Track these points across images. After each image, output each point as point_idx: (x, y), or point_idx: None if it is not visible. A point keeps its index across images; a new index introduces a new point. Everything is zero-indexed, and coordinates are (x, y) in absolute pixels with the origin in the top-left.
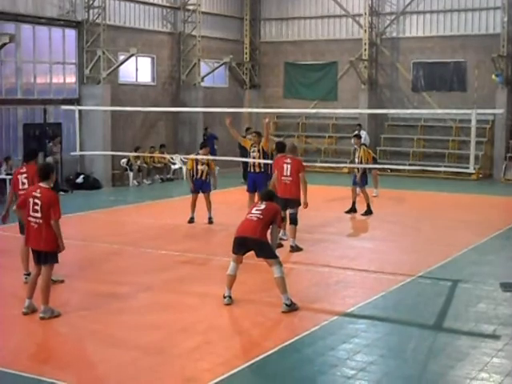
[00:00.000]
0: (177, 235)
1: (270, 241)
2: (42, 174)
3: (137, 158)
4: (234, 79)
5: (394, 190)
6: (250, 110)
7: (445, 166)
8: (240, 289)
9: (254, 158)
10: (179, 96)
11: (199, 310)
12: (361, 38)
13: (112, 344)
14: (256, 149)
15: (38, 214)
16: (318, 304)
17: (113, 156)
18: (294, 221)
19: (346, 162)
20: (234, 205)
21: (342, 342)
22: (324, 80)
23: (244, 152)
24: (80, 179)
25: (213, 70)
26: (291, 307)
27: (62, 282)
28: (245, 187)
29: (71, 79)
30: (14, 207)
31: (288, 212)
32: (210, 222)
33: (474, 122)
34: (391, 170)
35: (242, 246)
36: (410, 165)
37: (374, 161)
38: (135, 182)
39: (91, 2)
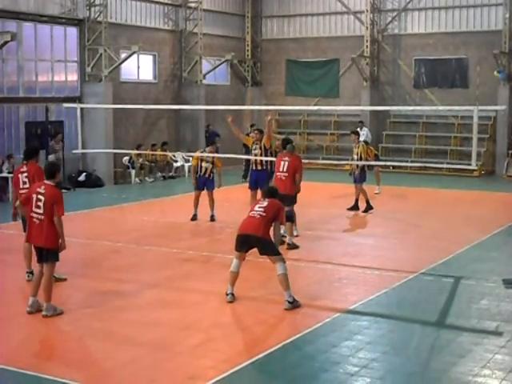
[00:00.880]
0: (179, 233)
1: (272, 238)
2: (48, 172)
3: (139, 155)
4: (235, 77)
5: (396, 187)
6: (251, 107)
7: (447, 163)
8: (243, 286)
9: (255, 155)
10: (181, 93)
11: (202, 308)
12: (362, 35)
13: (115, 341)
14: (258, 146)
15: (41, 210)
16: (321, 301)
17: (115, 154)
18: (289, 218)
19: (347, 160)
20: (236, 202)
21: (344, 339)
22: (326, 77)
23: (247, 150)
24: (82, 177)
25: (214, 68)
26: (294, 304)
27: (65, 280)
28: (246, 185)
29: (73, 77)
30: (17, 203)
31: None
32: (212, 219)
33: (476, 119)
34: (393, 166)
35: (244, 243)
36: (412, 162)
37: (376, 158)
38: (137, 179)
39: (92, 0)
